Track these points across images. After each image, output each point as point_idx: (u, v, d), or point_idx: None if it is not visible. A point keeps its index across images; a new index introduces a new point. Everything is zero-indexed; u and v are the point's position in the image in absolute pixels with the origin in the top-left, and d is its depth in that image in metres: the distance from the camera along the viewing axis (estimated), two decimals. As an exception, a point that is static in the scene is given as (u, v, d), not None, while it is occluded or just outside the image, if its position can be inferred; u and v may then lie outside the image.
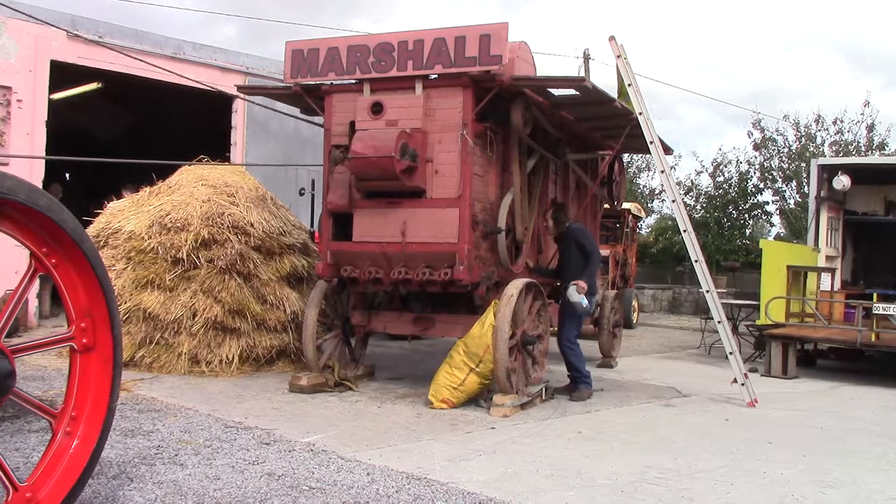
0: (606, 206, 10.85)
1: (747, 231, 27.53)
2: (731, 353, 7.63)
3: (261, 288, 8.28)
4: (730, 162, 27.06)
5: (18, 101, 10.58)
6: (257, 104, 9.44)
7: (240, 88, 9.48)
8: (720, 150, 31.69)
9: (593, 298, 7.53)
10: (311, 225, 10.75)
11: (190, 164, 9.41)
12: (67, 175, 18.56)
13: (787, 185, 26.24)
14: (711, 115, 59.95)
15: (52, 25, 6.93)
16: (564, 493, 4.40)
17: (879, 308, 9.45)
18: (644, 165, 30.18)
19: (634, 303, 16.34)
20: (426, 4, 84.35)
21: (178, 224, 8.26)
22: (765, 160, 26.39)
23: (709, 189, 27.45)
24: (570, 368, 7.53)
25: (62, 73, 11.39)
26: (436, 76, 6.84)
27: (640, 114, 7.83)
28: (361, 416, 6.24)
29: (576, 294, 7.32)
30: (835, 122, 25.30)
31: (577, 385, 7.43)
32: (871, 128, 24.98)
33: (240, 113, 13.21)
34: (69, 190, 13.37)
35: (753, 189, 26.67)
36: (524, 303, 6.91)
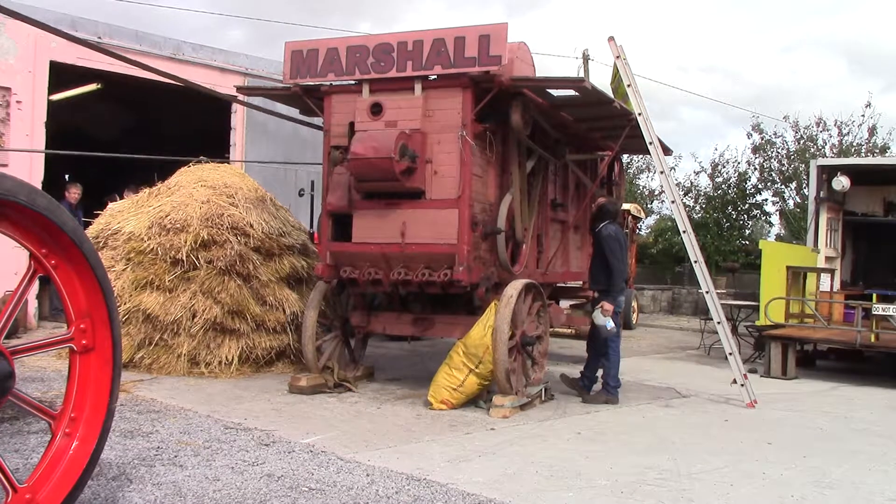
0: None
1: (746, 232, 27.56)
2: (730, 354, 7.63)
3: (260, 289, 8.27)
4: (727, 162, 27.11)
5: (18, 102, 10.58)
6: (255, 107, 9.42)
7: (239, 89, 9.48)
8: (716, 149, 31.76)
9: (620, 298, 7.42)
10: (311, 226, 10.75)
11: (192, 164, 9.41)
12: (67, 176, 18.54)
13: (786, 186, 26.27)
14: (713, 117, 60.01)
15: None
16: (564, 493, 4.40)
17: (879, 309, 9.44)
18: (644, 166, 30.20)
19: (634, 303, 16.34)
20: (431, 9, 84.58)
21: (178, 225, 8.26)
22: (763, 161, 26.42)
23: (708, 190, 27.48)
24: (603, 375, 7.47)
25: (62, 74, 11.39)
26: (435, 77, 6.83)
27: (640, 114, 7.83)
28: (361, 417, 6.24)
29: (601, 317, 7.17)
30: (836, 124, 25.34)
31: (604, 389, 7.39)
32: (872, 130, 25.01)
33: (239, 114, 13.20)
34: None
35: (752, 189, 26.69)
36: (524, 304, 6.91)
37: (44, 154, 10.82)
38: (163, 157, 9.10)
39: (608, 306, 7.18)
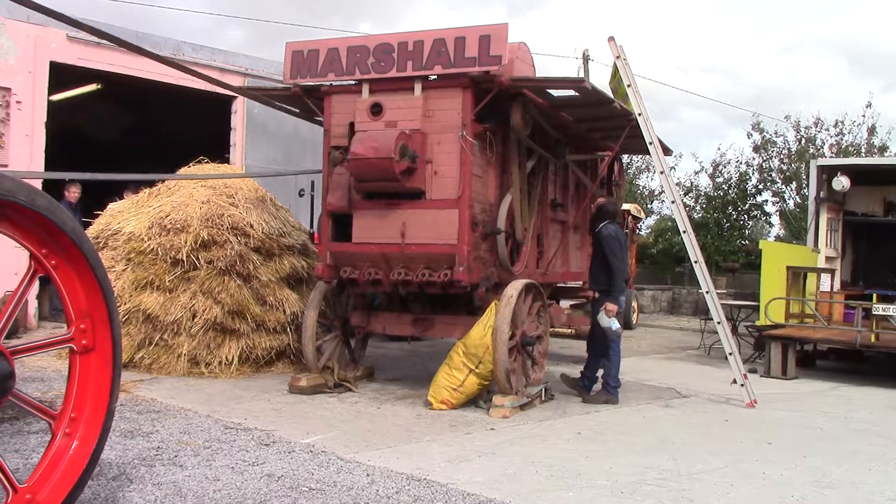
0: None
1: (747, 232, 27.58)
2: (730, 354, 7.63)
3: (260, 289, 8.27)
4: (728, 162, 27.13)
5: (18, 102, 10.57)
6: (264, 102, 9.41)
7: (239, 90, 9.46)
8: (718, 149, 31.87)
9: (621, 298, 7.40)
10: (311, 226, 10.75)
11: (188, 173, 9.39)
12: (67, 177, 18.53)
13: (786, 187, 26.29)
14: (713, 117, 59.93)
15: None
16: (564, 493, 4.40)
17: (879, 309, 9.44)
18: (644, 166, 30.22)
19: (634, 304, 16.35)
20: (431, 9, 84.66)
21: (178, 225, 8.26)
22: (763, 161, 26.44)
23: (708, 190, 27.50)
24: (604, 375, 7.47)
25: (62, 75, 11.39)
26: (435, 77, 6.83)
27: (640, 114, 7.83)
28: (361, 417, 6.24)
29: (605, 319, 7.16)
30: (836, 125, 25.35)
31: (604, 389, 7.39)
32: (871, 130, 25.02)
33: (239, 114, 13.19)
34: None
35: (753, 190, 26.70)
36: (524, 304, 6.91)
37: (43, 154, 10.81)
38: (161, 176, 9.12)
39: (612, 307, 7.16)
